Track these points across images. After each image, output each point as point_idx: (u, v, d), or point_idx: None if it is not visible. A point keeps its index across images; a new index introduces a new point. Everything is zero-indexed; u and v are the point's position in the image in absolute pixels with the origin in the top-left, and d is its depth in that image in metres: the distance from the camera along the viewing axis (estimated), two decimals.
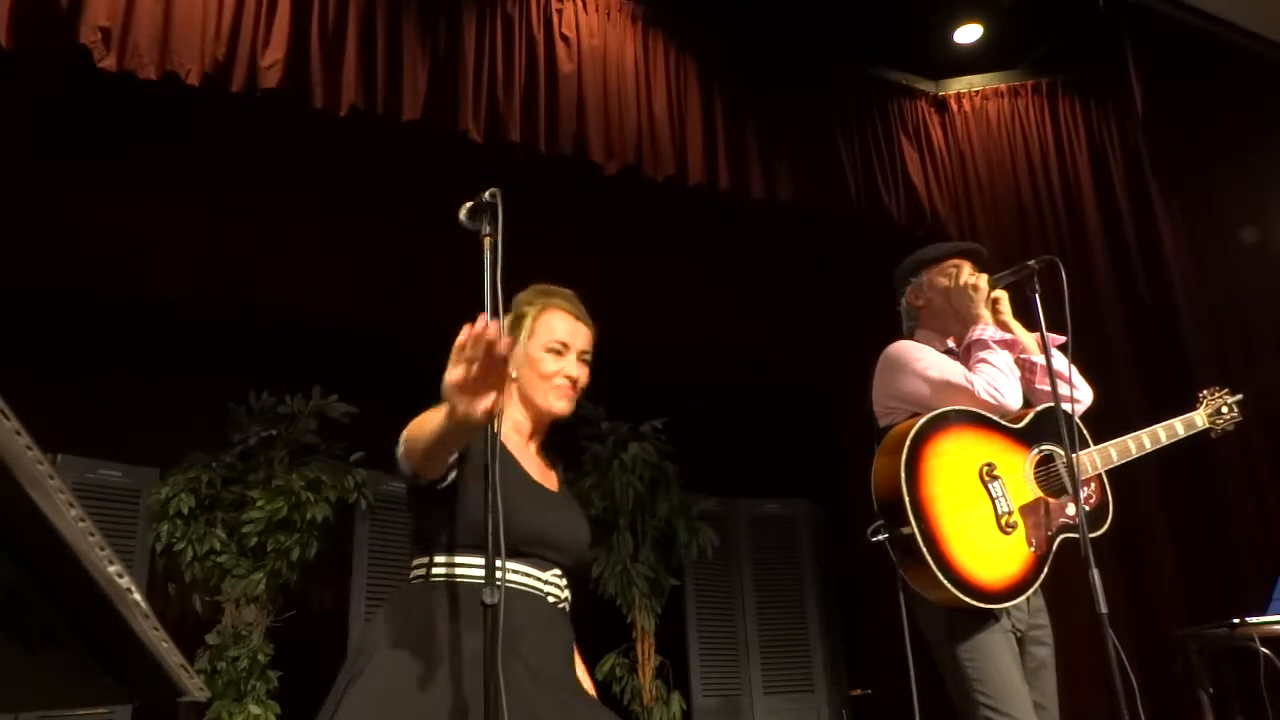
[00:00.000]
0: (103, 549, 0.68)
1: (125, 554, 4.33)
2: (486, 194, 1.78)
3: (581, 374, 1.98)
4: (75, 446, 4.31)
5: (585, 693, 1.87)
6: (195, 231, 4.59)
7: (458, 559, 1.78)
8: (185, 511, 4.34)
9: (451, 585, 1.76)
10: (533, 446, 1.99)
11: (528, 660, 1.71)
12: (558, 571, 1.86)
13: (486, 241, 1.77)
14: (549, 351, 1.95)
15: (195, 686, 0.74)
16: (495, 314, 1.70)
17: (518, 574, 1.78)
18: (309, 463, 4.56)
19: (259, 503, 4.40)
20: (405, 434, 1.73)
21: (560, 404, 1.95)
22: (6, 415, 0.63)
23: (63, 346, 4.45)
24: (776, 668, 5.55)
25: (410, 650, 1.69)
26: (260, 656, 4.25)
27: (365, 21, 3.77)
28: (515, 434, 1.96)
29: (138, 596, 0.70)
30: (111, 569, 0.68)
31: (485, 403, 1.41)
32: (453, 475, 1.76)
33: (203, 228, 4.60)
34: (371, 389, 4.77)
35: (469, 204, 1.80)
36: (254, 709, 4.12)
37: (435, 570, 1.79)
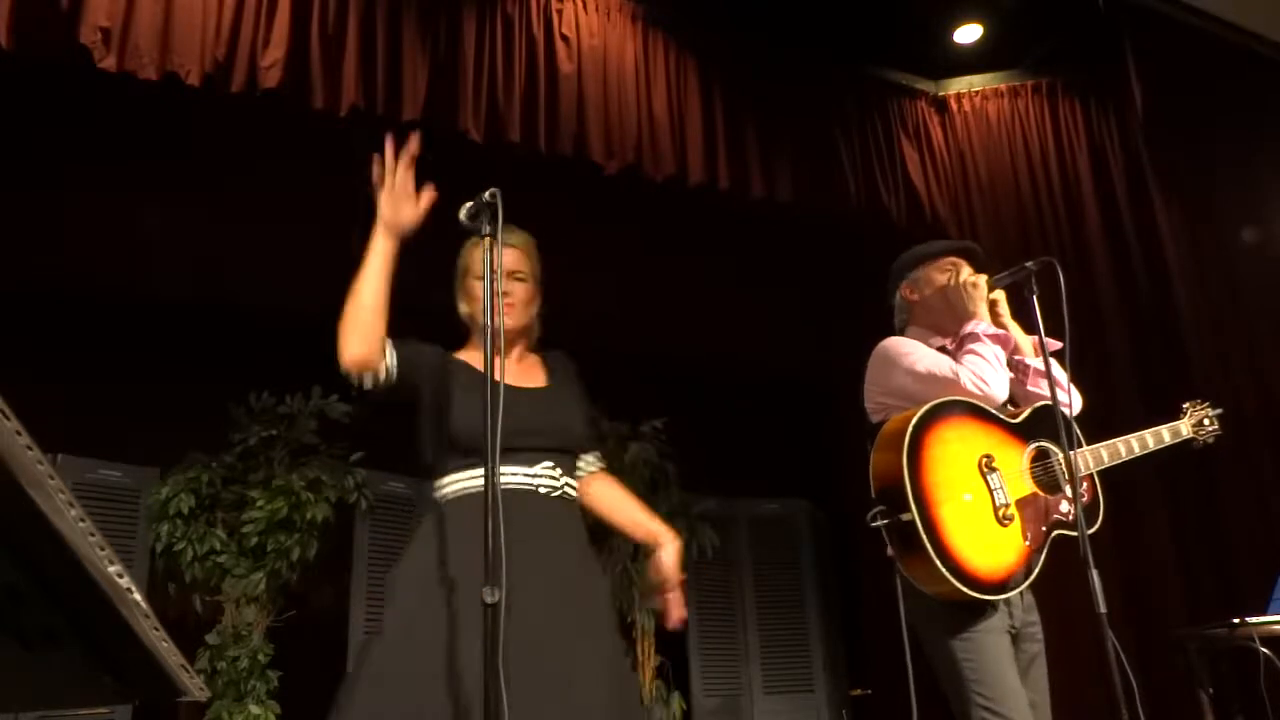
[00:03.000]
0: (103, 549, 0.68)
1: (125, 554, 4.33)
2: (486, 194, 1.79)
3: (515, 289, 2.11)
4: (75, 446, 4.30)
5: (592, 615, 1.93)
6: (195, 231, 4.59)
7: (448, 479, 1.97)
8: (185, 511, 4.34)
9: (454, 502, 1.94)
10: (511, 355, 2.12)
11: (528, 579, 1.77)
12: (548, 463, 1.96)
13: (486, 241, 1.78)
14: (477, 280, 2.07)
15: (195, 686, 0.74)
16: (494, 313, 1.73)
17: (502, 475, 1.86)
18: (309, 463, 4.56)
19: (259, 503, 4.40)
20: (340, 330, 1.93)
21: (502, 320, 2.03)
22: (6, 415, 0.63)
23: (63, 346, 4.45)
24: (776, 668, 5.55)
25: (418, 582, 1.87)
26: (260, 656, 4.25)
27: (365, 21, 3.77)
28: (473, 354, 2.10)
29: (138, 596, 0.70)
30: (111, 569, 0.68)
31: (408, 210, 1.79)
32: (393, 372, 1.95)
33: (202, 228, 4.60)
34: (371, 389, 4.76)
35: (469, 204, 1.81)
36: (254, 709, 4.12)
37: (437, 494, 1.99)
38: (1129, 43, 4.81)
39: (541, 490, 1.94)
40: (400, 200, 1.90)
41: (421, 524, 1.99)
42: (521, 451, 1.92)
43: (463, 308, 2.17)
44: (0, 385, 0.70)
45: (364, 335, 1.90)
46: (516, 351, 2.16)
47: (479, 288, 2.03)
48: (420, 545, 1.94)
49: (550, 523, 1.92)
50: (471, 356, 2.10)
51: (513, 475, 1.91)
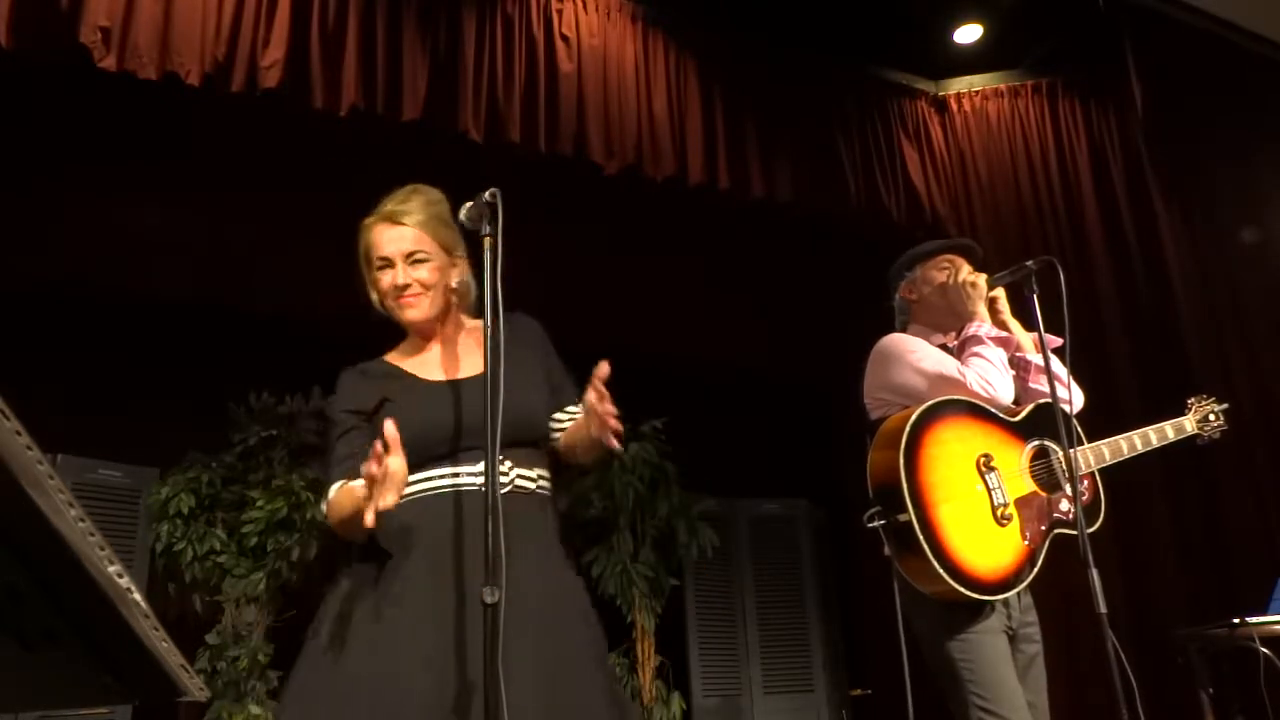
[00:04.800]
0: (103, 549, 0.68)
1: (125, 554, 4.33)
2: (486, 194, 1.78)
3: (415, 274, 1.91)
4: (75, 446, 4.31)
5: (550, 611, 1.79)
6: (195, 231, 4.59)
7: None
8: (185, 511, 4.34)
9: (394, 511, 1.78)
10: (435, 347, 1.98)
11: (475, 582, 1.65)
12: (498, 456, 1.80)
13: (486, 241, 1.77)
14: (378, 270, 1.94)
15: (195, 686, 0.74)
16: (495, 313, 1.71)
17: (444, 478, 1.80)
18: (309, 463, 4.56)
19: (259, 503, 4.40)
20: (326, 510, 1.86)
21: (409, 313, 1.92)
22: (6, 415, 0.63)
23: (63, 346, 4.45)
24: (776, 668, 5.55)
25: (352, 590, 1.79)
26: (260, 656, 4.25)
27: (365, 21, 3.77)
28: (408, 348, 1.99)
29: (138, 596, 0.70)
30: (111, 569, 0.68)
31: (370, 512, 1.58)
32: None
33: (202, 228, 4.60)
34: None
35: (469, 204, 1.81)
36: (254, 709, 4.12)
37: None
38: (1129, 43, 4.81)
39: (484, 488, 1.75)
40: (387, 488, 1.61)
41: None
42: (467, 450, 1.80)
43: (375, 299, 1.99)
44: (0, 385, 0.70)
45: (362, 531, 1.76)
46: (439, 337, 1.99)
47: (382, 281, 1.92)
48: (359, 558, 1.83)
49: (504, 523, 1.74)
50: (401, 356, 1.99)
51: (452, 478, 1.80)
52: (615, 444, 1.73)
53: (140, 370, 4.59)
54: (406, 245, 1.91)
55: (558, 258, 4.62)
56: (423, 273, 1.91)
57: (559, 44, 4.14)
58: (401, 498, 1.69)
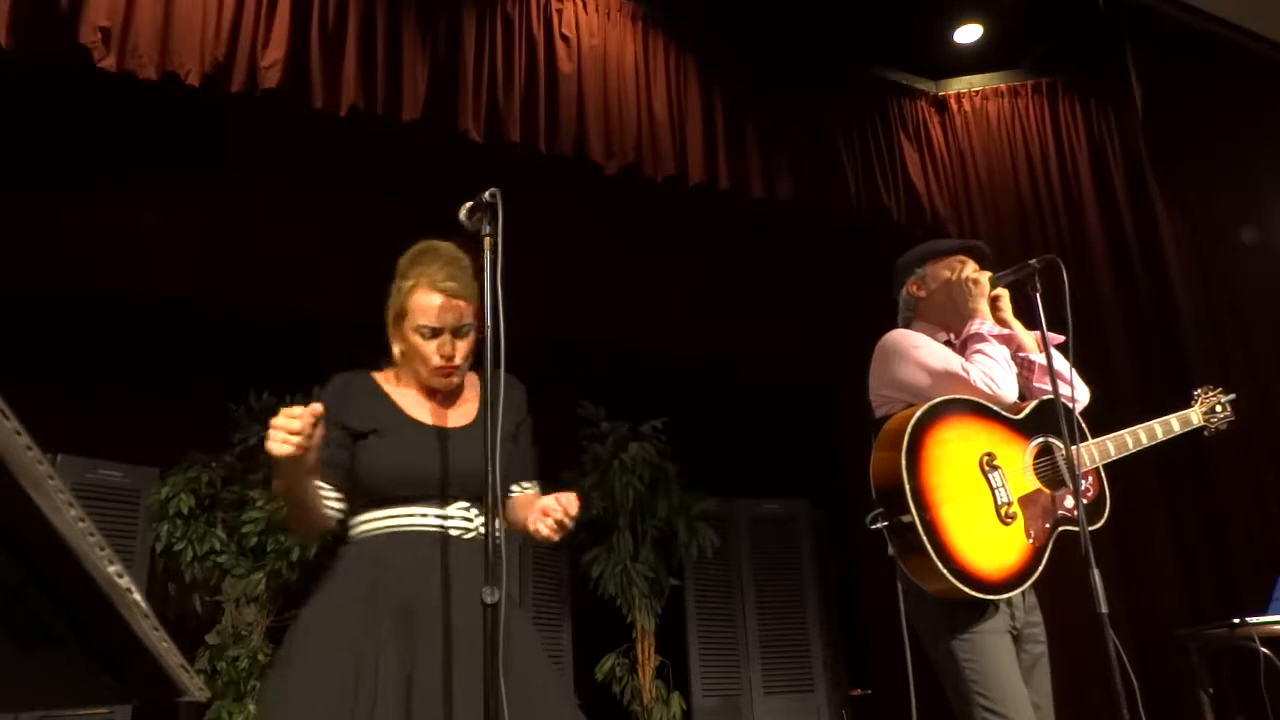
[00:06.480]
0: (103, 549, 0.68)
1: (125, 554, 4.33)
2: (486, 194, 1.78)
3: (459, 347, 1.96)
4: (75, 446, 4.31)
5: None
6: (195, 231, 4.59)
7: (365, 517, 1.91)
8: (185, 511, 4.34)
9: (366, 542, 1.89)
10: (433, 393, 2.02)
11: (433, 626, 1.75)
12: (463, 504, 1.88)
13: (486, 241, 1.78)
14: (422, 336, 1.95)
15: (195, 686, 0.74)
16: (494, 313, 1.72)
17: (411, 516, 1.87)
18: None
19: (259, 503, 4.40)
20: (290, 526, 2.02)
21: (440, 382, 1.98)
22: (6, 415, 0.63)
23: (63, 346, 4.44)
24: (776, 668, 5.55)
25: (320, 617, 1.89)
26: (260, 656, 4.25)
27: (365, 21, 3.76)
28: (407, 382, 2.01)
29: (138, 596, 0.69)
30: (111, 569, 0.68)
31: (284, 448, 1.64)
32: (339, 509, 1.93)
33: (202, 227, 4.60)
34: None
35: (469, 204, 1.81)
36: (254, 709, 4.12)
37: (353, 532, 1.94)
38: (1129, 43, 4.80)
39: (453, 532, 1.86)
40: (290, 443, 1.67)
41: (335, 563, 1.93)
42: (425, 499, 1.86)
43: (396, 349, 2.01)
44: (0, 385, 0.70)
45: (312, 530, 1.96)
46: (448, 392, 2.04)
47: (422, 346, 1.94)
48: (334, 585, 1.89)
49: (460, 565, 1.82)
50: (394, 384, 2.01)
51: (423, 516, 1.86)
52: (545, 532, 1.80)
53: (140, 370, 4.59)
54: (455, 319, 1.94)
55: (558, 258, 4.62)
56: (464, 346, 1.97)
57: (559, 44, 4.13)
58: (377, 529, 1.85)
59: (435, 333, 1.94)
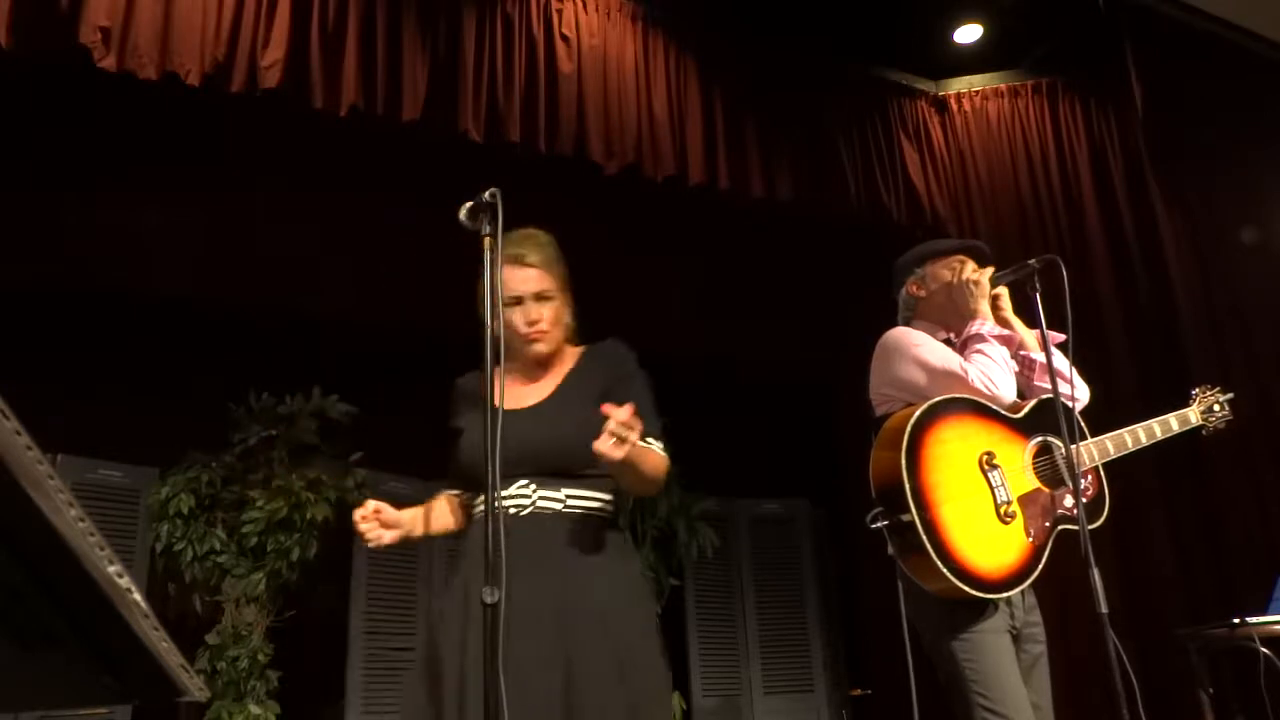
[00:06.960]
0: (103, 549, 0.68)
1: (125, 554, 4.33)
2: (486, 194, 1.79)
3: (544, 311, 2.07)
4: (75, 446, 4.31)
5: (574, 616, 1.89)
6: (195, 231, 4.59)
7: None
8: (185, 511, 4.34)
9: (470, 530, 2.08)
10: (540, 376, 2.12)
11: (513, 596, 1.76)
12: (521, 482, 1.95)
13: (486, 241, 1.78)
14: (509, 307, 2.04)
15: (195, 686, 0.74)
16: (494, 313, 1.74)
17: (478, 502, 2.01)
18: (309, 463, 4.56)
19: (259, 503, 4.40)
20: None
21: (535, 347, 2.08)
22: (6, 415, 0.63)
23: (63, 346, 4.45)
24: (776, 668, 5.56)
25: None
26: (260, 656, 4.25)
27: (365, 21, 3.76)
28: (511, 369, 2.06)
29: (138, 596, 0.69)
30: (111, 569, 0.68)
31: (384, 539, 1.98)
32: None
33: (202, 227, 4.60)
34: (371, 389, 4.77)
35: (469, 204, 1.81)
36: (254, 709, 4.13)
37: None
38: (1129, 43, 4.80)
39: (511, 510, 1.92)
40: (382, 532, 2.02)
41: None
42: (503, 475, 1.86)
43: (504, 336, 2.06)
44: (0, 385, 0.70)
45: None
46: (548, 368, 2.14)
47: (512, 317, 2.05)
48: (450, 572, 2.09)
49: (515, 541, 1.82)
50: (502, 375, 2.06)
51: (483, 499, 1.93)
52: (612, 453, 1.79)
53: (140, 370, 4.60)
54: (534, 286, 2.06)
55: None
56: (549, 312, 2.08)
57: (559, 44, 4.13)
58: (475, 516, 2.05)
59: (518, 300, 2.04)
